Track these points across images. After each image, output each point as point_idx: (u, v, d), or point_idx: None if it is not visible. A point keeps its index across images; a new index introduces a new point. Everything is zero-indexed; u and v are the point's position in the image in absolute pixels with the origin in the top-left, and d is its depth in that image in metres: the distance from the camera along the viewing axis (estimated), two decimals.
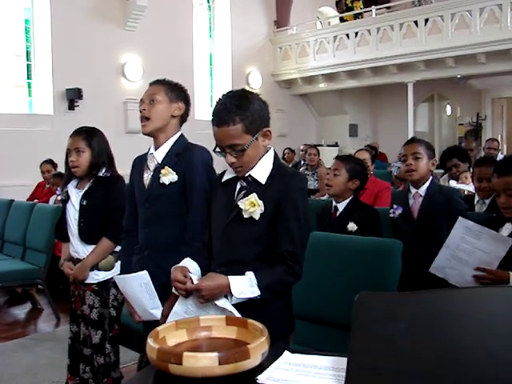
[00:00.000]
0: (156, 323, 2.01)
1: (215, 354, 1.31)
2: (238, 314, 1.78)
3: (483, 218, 3.07)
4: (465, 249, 2.56)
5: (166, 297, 2.22)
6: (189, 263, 2.07)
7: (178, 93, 2.53)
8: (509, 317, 1.16)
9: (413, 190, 3.24)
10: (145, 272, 2.34)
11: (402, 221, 3.24)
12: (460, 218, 2.67)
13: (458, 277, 2.56)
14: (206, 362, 1.31)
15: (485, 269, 2.47)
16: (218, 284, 1.85)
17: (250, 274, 1.88)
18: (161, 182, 2.41)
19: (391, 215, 3.30)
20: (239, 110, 1.92)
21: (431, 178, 3.26)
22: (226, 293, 1.85)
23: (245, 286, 1.86)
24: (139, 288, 2.37)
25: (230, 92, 2.03)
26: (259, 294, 1.87)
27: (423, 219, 3.15)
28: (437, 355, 1.15)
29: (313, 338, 2.68)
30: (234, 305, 1.85)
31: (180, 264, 2.04)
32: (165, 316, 2.14)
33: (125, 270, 2.55)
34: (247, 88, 2.41)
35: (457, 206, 3.15)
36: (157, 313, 2.33)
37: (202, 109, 12.13)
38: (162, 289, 2.28)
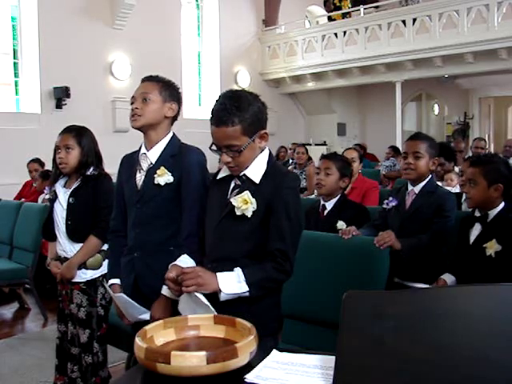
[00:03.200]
0: (144, 323, 2.00)
1: (203, 353, 1.31)
2: (212, 309, 1.78)
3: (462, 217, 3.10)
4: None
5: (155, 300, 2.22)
6: (188, 261, 2.08)
7: (172, 92, 2.46)
8: (496, 316, 1.17)
9: (409, 187, 3.25)
10: (121, 295, 2.35)
11: (393, 213, 3.26)
12: None
13: None
14: (193, 361, 1.31)
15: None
16: (211, 277, 1.86)
17: (237, 270, 1.90)
18: (156, 182, 2.35)
19: (384, 206, 3.31)
20: (238, 111, 1.91)
21: (430, 176, 3.23)
22: (215, 289, 1.85)
23: (232, 281, 1.87)
24: (122, 303, 2.39)
25: (230, 91, 2.01)
26: (247, 290, 1.88)
27: (412, 215, 3.16)
28: (424, 354, 1.15)
29: (301, 337, 2.69)
30: (223, 302, 1.85)
31: (177, 261, 2.04)
32: (154, 319, 2.12)
33: (114, 272, 2.51)
34: (235, 87, 2.41)
35: (443, 213, 3.10)
36: (146, 316, 2.32)
37: (191, 108, 12.11)
38: (151, 292, 2.27)
